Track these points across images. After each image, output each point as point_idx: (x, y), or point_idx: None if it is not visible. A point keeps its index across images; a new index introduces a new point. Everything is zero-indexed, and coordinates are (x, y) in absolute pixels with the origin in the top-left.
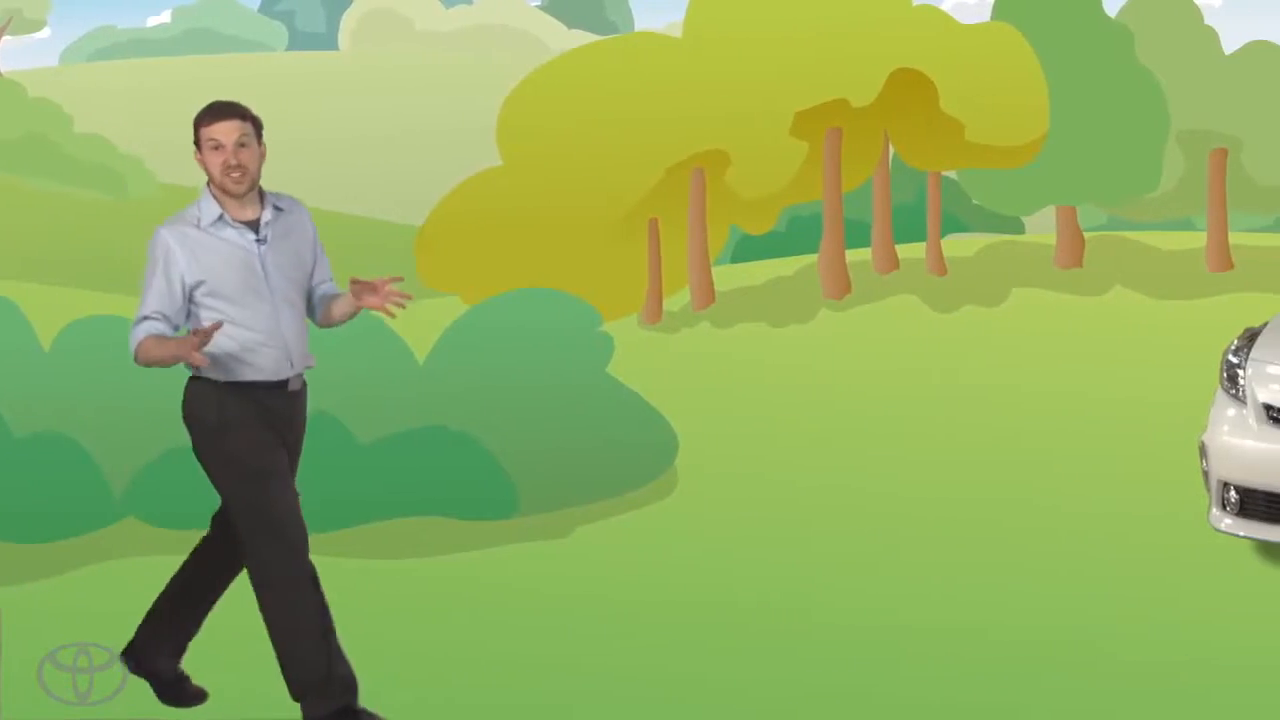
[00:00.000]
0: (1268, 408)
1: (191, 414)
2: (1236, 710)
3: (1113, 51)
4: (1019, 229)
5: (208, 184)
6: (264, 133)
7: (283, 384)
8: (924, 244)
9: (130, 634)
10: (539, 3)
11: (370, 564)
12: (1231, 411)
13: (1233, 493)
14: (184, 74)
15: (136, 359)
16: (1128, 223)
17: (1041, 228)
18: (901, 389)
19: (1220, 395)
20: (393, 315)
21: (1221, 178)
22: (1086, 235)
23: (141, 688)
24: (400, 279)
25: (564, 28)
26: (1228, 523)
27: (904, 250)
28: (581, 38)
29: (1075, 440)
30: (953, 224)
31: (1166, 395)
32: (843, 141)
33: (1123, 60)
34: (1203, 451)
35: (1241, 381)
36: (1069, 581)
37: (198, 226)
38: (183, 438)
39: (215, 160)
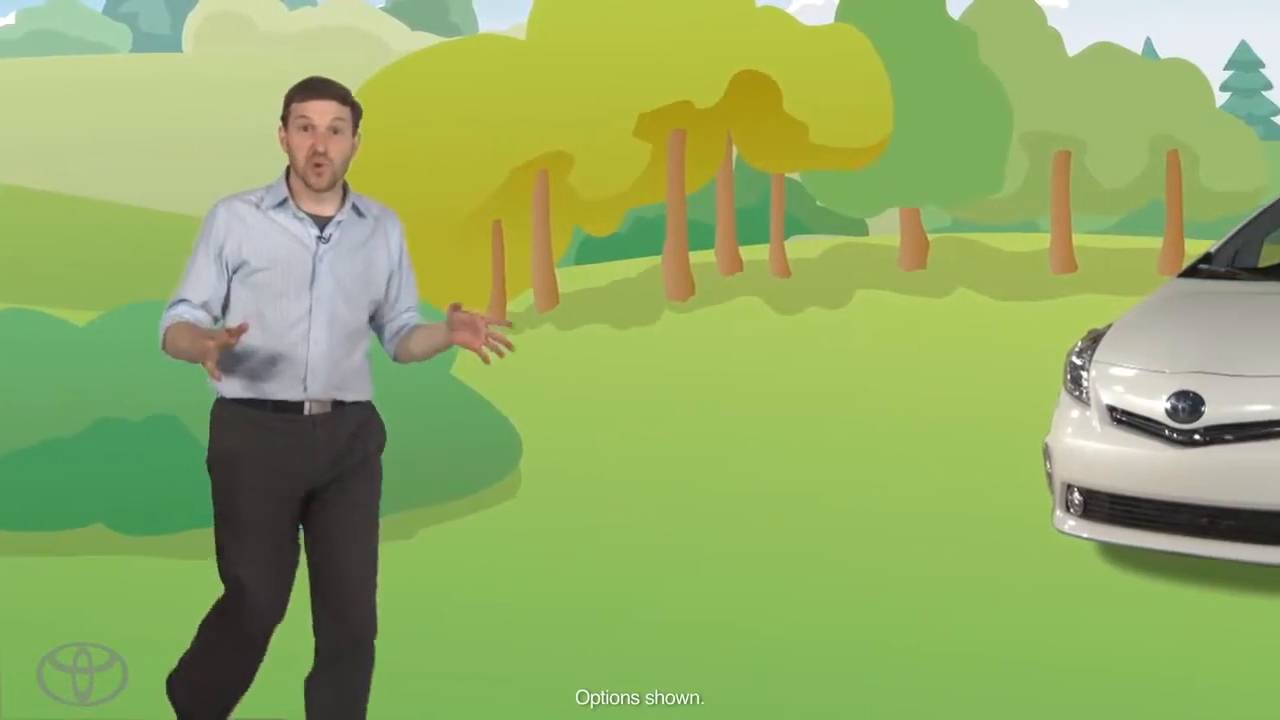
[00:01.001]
0: (1111, 409)
1: (210, 432)
2: (1076, 710)
3: (956, 53)
4: (863, 231)
5: (287, 170)
6: (168, 131)
7: (295, 407)
8: (768, 246)
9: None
10: (383, 5)
11: (208, 565)
12: (1075, 413)
13: (1076, 495)
14: (28, 75)
15: (164, 347)
16: (971, 224)
17: (885, 229)
18: (745, 391)
19: (1064, 397)
20: (487, 362)
21: (1065, 179)
22: (930, 237)
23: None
24: (508, 324)
25: (407, 30)
26: (1071, 524)
27: (748, 252)
28: (425, 40)
29: (919, 442)
30: (796, 226)
31: (1010, 397)
32: (686, 143)
33: (966, 62)
34: (1046, 453)
35: (1085, 383)
36: (911, 583)
37: (257, 207)
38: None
39: (301, 143)
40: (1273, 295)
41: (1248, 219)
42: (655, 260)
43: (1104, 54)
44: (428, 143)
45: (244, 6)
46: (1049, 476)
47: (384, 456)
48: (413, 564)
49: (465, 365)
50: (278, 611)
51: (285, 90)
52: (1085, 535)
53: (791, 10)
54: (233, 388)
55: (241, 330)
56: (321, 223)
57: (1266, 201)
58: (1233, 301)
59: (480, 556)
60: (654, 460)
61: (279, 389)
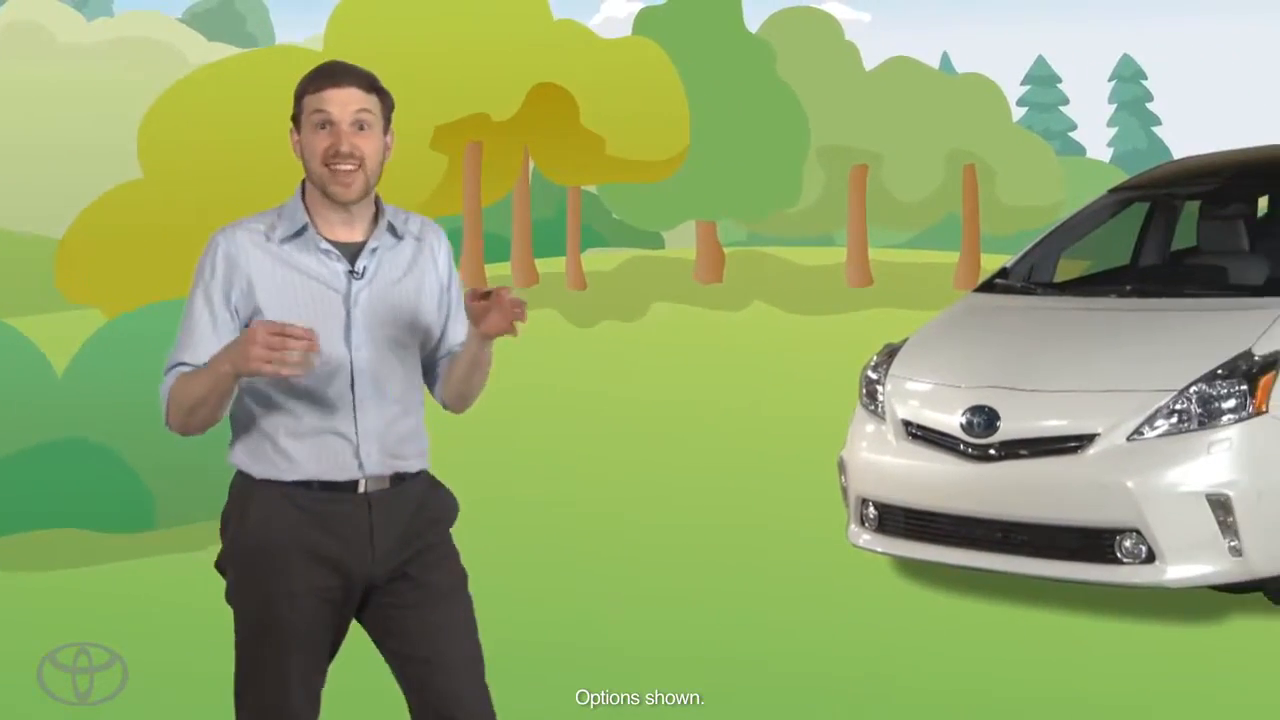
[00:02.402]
0: (906, 424)
1: (223, 517)
2: None
3: (753, 67)
4: (659, 244)
5: (302, 185)
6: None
7: (348, 487)
8: (564, 258)
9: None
10: (180, 15)
11: (7, 577)
12: (870, 427)
13: (871, 509)
14: None
15: (169, 421)
16: (768, 238)
17: (682, 243)
18: (540, 403)
19: (859, 411)
20: (516, 334)
21: (861, 194)
22: (727, 250)
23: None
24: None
25: (204, 40)
26: (866, 539)
27: (544, 264)
28: (222, 51)
29: (714, 455)
30: (593, 238)
31: (806, 410)
32: (483, 156)
33: (763, 76)
34: (842, 467)
35: (880, 398)
36: (707, 595)
37: (267, 239)
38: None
39: (317, 144)
40: (1068, 310)
41: (1044, 234)
42: None
43: (901, 68)
44: (224, 153)
45: (43, 17)
46: (844, 491)
47: (181, 468)
48: (207, 574)
49: None
50: None
51: (87, 101)
52: (880, 550)
53: (593, 24)
54: (264, 466)
55: (309, 342)
56: (352, 253)
57: (1063, 216)
58: (1028, 316)
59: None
60: (444, 472)
61: (326, 468)
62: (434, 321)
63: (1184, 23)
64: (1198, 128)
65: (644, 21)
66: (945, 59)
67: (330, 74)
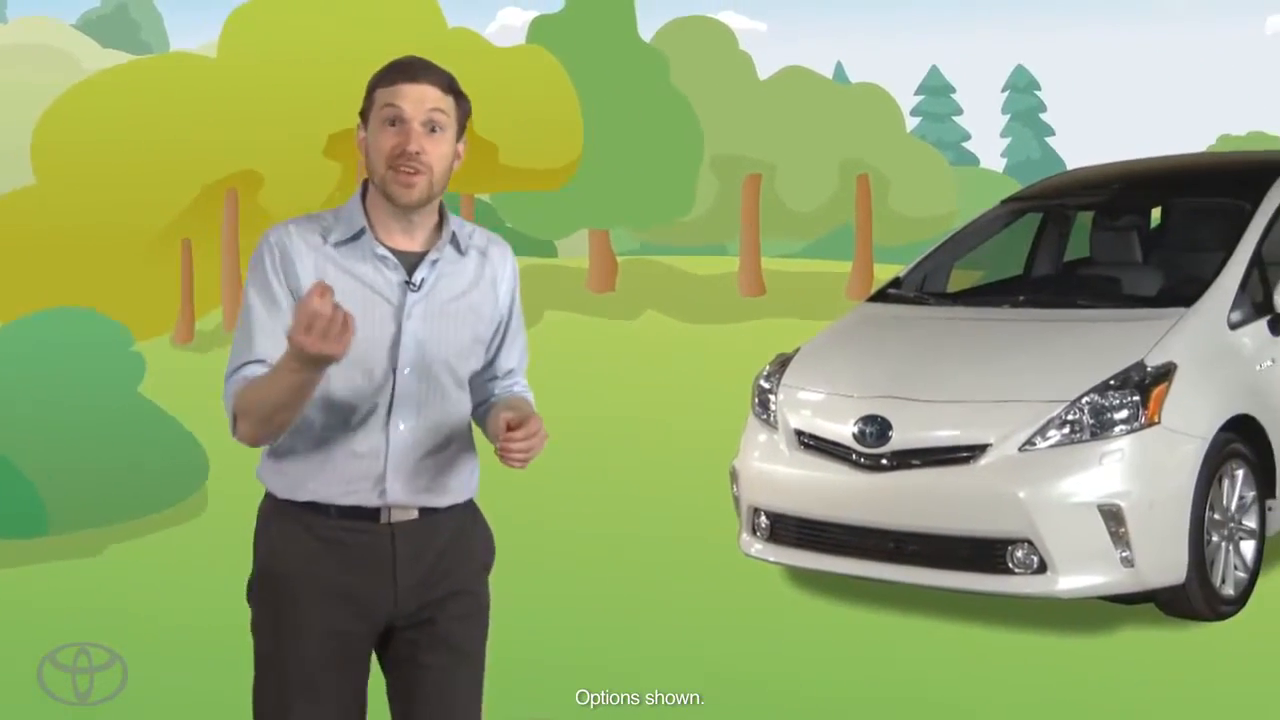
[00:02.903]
0: (799, 433)
1: (255, 541)
2: None
3: (647, 76)
4: (552, 252)
5: (363, 186)
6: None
7: (369, 514)
8: None
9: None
10: (74, 22)
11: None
12: (763, 437)
13: (763, 518)
14: None
15: (239, 432)
16: (661, 247)
17: (575, 251)
18: None
19: (751, 421)
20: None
21: (754, 203)
22: (619, 259)
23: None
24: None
25: (99, 47)
26: (758, 548)
27: None
28: (116, 58)
29: (606, 464)
30: None
31: (698, 420)
32: None
33: (657, 85)
34: (734, 477)
35: (773, 407)
36: (597, 603)
37: (324, 239)
38: None
39: (384, 142)
40: (961, 320)
41: (937, 244)
42: None
43: (795, 78)
44: (117, 160)
45: None
46: (736, 500)
47: (73, 474)
48: (99, 580)
49: (153, 384)
50: None
51: None
52: (772, 559)
53: (488, 32)
54: (284, 483)
55: (325, 291)
56: (411, 262)
57: (956, 226)
58: (921, 326)
59: (168, 574)
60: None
61: (347, 491)
62: (485, 341)
63: (1076, 33)
64: (1091, 139)
65: (538, 30)
66: (839, 69)
67: (406, 68)
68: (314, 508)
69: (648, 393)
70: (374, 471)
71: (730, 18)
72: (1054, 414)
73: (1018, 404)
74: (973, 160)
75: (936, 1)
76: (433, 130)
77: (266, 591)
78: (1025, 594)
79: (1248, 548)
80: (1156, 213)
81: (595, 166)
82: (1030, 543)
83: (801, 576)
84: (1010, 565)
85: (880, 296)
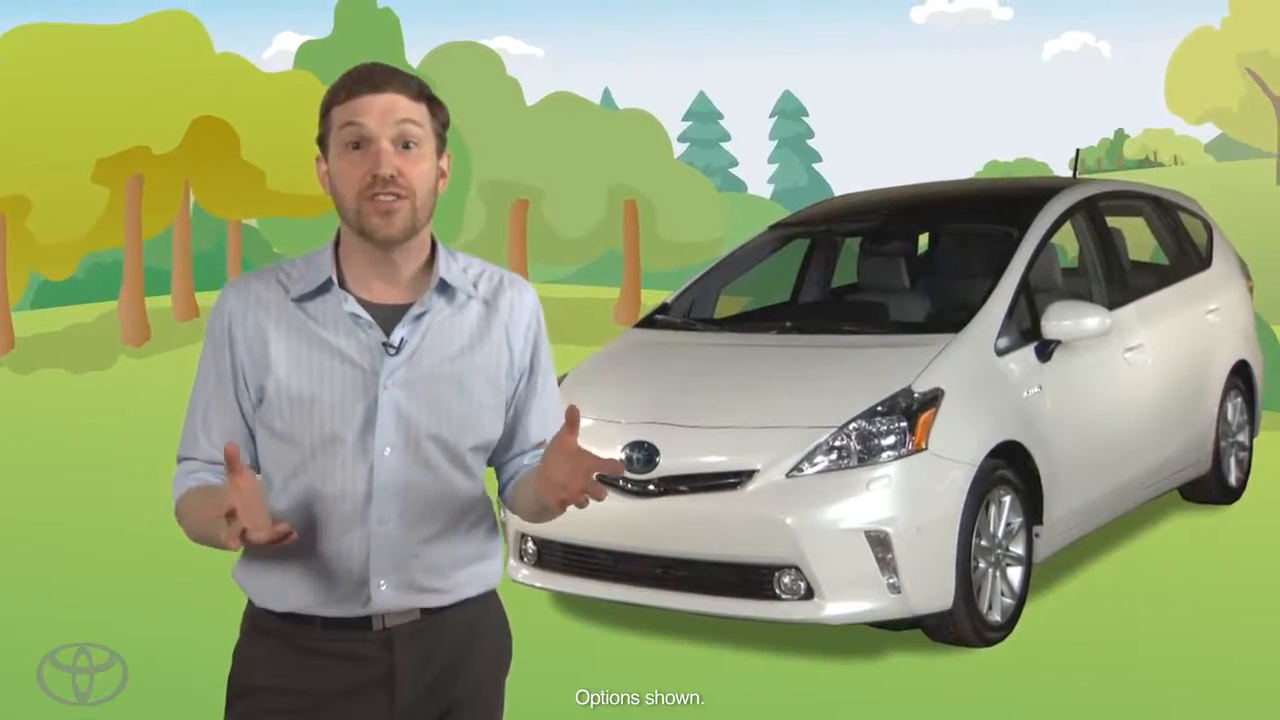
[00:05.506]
0: None
1: (235, 649)
2: None
3: None
4: None
5: (337, 235)
6: None
7: (358, 624)
8: None
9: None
10: None
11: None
12: None
13: (530, 544)
14: None
15: (183, 526)
16: None
17: None
18: None
19: None
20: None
21: (522, 229)
22: None
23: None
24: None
25: None
26: (525, 574)
27: (204, 298)
28: None
29: None
30: None
31: None
32: (144, 189)
33: None
34: (502, 502)
35: None
36: (597, 603)
37: (286, 293)
38: None
39: (350, 170)
40: (729, 346)
41: (704, 270)
42: (111, 305)
43: (562, 104)
44: None
45: None
46: (503, 525)
47: None
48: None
49: None
50: None
51: None
52: (539, 585)
53: (266, 56)
54: (261, 592)
55: (286, 535)
56: (393, 318)
57: (724, 252)
58: (688, 352)
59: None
60: (107, 502)
61: (327, 600)
62: (500, 414)
63: (845, 59)
64: (859, 165)
65: (305, 55)
66: (607, 94)
67: (365, 76)
68: (293, 619)
69: None
70: (355, 575)
71: (508, 42)
72: (821, 440)
73: (785, 430)
74: (740, 186)
75: (704, 26)
76: (406, 146)
77: (246, 708)
78: (792, 620)
79: (1015, 574)
80: (924, 239)
81: None
82: (797, 568)
83: (567, 602)
84: (777, 591)
85: (648, 322)
